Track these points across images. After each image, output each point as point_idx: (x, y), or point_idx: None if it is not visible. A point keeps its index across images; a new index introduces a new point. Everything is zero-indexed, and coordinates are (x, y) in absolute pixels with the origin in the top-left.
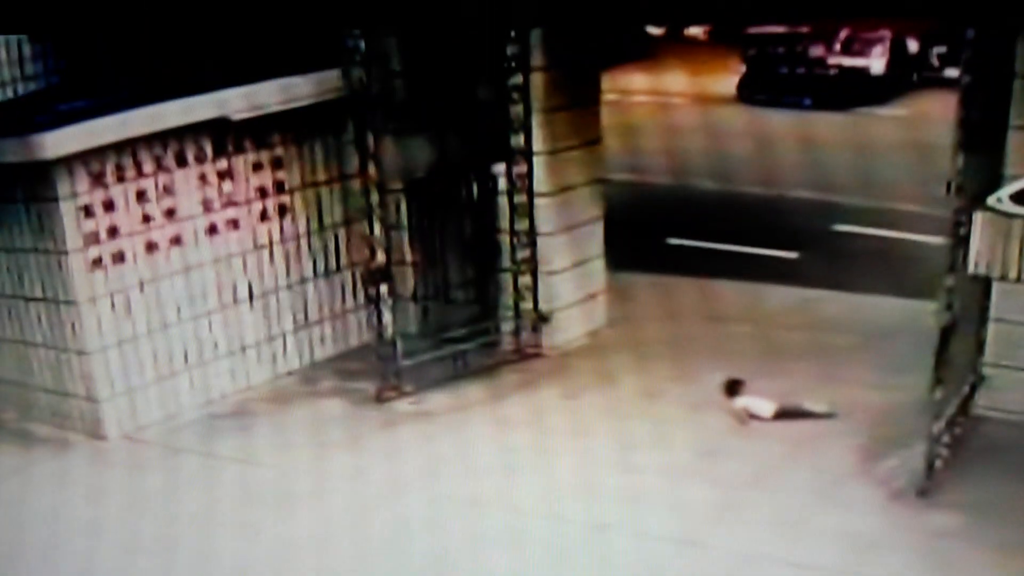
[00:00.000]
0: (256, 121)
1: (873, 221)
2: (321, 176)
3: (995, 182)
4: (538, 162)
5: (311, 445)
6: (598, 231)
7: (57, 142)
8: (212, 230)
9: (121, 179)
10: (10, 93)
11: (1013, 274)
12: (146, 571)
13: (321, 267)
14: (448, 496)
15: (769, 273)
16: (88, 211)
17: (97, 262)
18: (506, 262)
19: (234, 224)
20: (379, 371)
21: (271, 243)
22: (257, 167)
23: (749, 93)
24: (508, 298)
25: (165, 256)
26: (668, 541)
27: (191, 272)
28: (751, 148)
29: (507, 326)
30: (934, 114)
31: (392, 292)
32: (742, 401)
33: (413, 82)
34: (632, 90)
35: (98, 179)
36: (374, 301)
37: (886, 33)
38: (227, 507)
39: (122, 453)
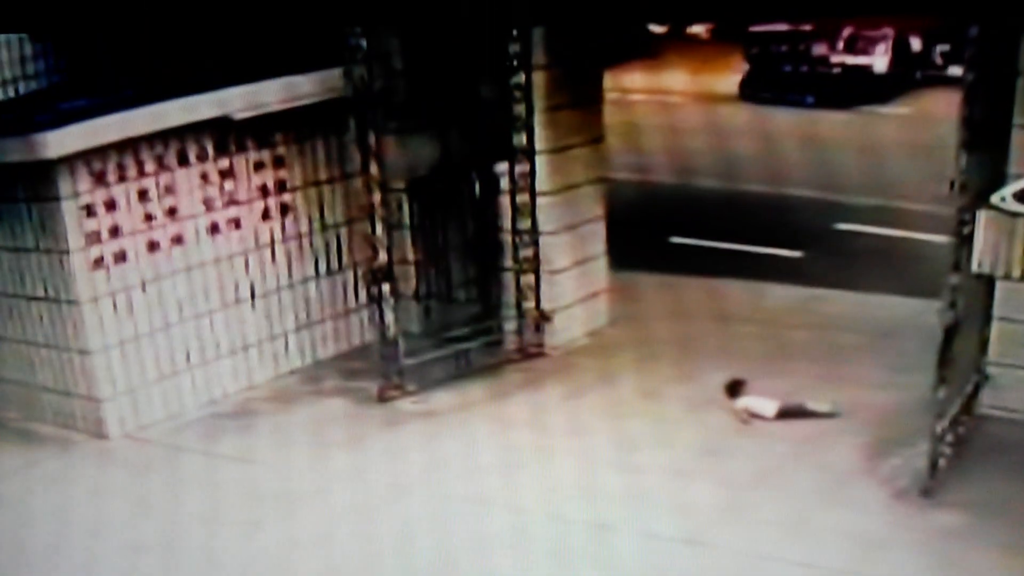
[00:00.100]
0: (258, 120)
1: (877, 220)
2: (323, 175)
3: (999, 181)
4: (540, 161)
5: (313, 444)
6: (600, 230)
7: (59, 141)
8: (214, 229)
9: (123, 178)
10: (12, 92)
11: (1017, 273)
12: (149, 571)
13: (323, 266)
14: (451, 495)
15: (772, 272)
16: (90, 210)
17: (99, 261)
18: (508, 261)
19: (236, 223)
20: (381, 370)
21: (273, 242)
22: (259, 166)
23: (752, 91)
24: (510, 297)
25: (167, 255)
26: (672, 541)
27: (193, 271)
28: (754, 147)
29: (509, 325)
30: (937, 112)
31: (394, 291)
32: (744, 401)
33: (415, 81)
34: (635, 88)
35: (100, 178)
36: (376, 300)
37: (889, 31)
38: (229, 506)
39: (124, 452)
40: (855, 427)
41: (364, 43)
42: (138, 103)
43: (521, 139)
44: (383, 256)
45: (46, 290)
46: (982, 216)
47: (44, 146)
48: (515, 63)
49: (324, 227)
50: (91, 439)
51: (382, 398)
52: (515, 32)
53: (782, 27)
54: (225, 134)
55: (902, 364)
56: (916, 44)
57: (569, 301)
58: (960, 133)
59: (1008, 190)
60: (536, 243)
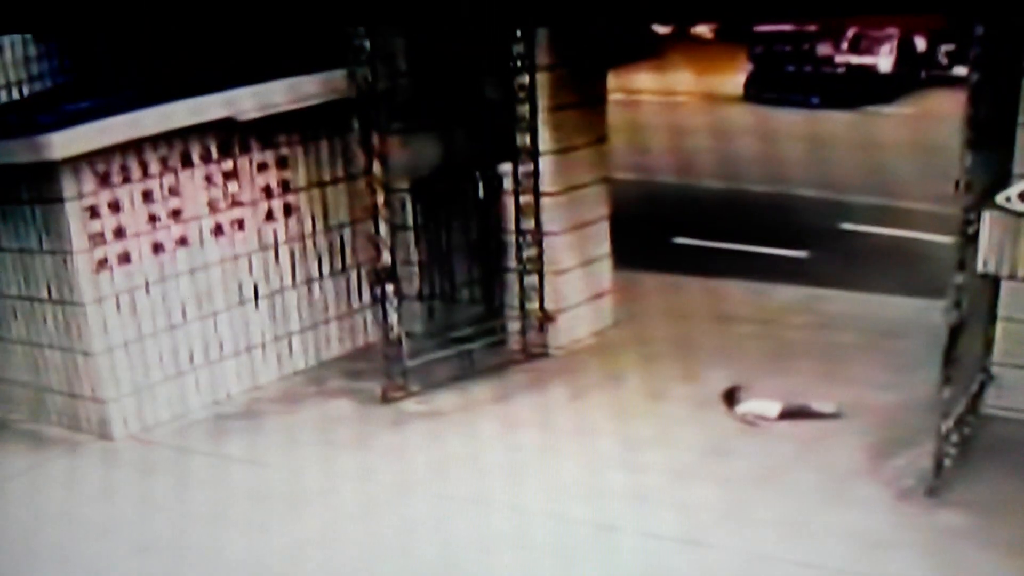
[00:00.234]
0: (262, 121)
1: (882, 220)
2: (327, 176)
3: (1004, 180)
4: (544, 161)
5: (318, 445)
6: (605, 230)
7: (63, 143)
8: (218, 230)
9: (127, 180)
10: (16, 93)
11: (1022, 272)
12: (154, 571)
13: (327, 267)
14: (455, 496)
15: (776, 272)
16: (94, 212)
17: (103, 263)
18: (512, 262)
19: (240, 224)
20: (385, 371)
21: (277, 243)
22: (263, 167)
23: (756, 92)
24: (514, 298)
25: (171, 257)
26: (675, 541)
27: (197, 273)
28: (758, 147)
29: (513, 326)
30: (942, 112)
31: (398, 292)
32: (745, 406)
33: (419, 81)
34: (639, 89)
35: (104, 180)
36: (380, 301)
37: (894, 31)
38: (235, 507)
39: (129, 453)
40: (859, 427)
41: (368, 44)
42: (142, 104)
43: (525, 139)
44: (387, 256)
45: (50, 291)
46: (987, 216)
47: (48, 147)
48: (519, 63)
49: (328, 228)
50: (96, 440)
51: (386, 399)
52: (519, 32)
53: (786, 27)
54: (229, 135)
55: (907, 364)
56: (921, 44)
57: (573, 301)
58: (965, 133)
59: (1013, 190)
60: (540, 244)
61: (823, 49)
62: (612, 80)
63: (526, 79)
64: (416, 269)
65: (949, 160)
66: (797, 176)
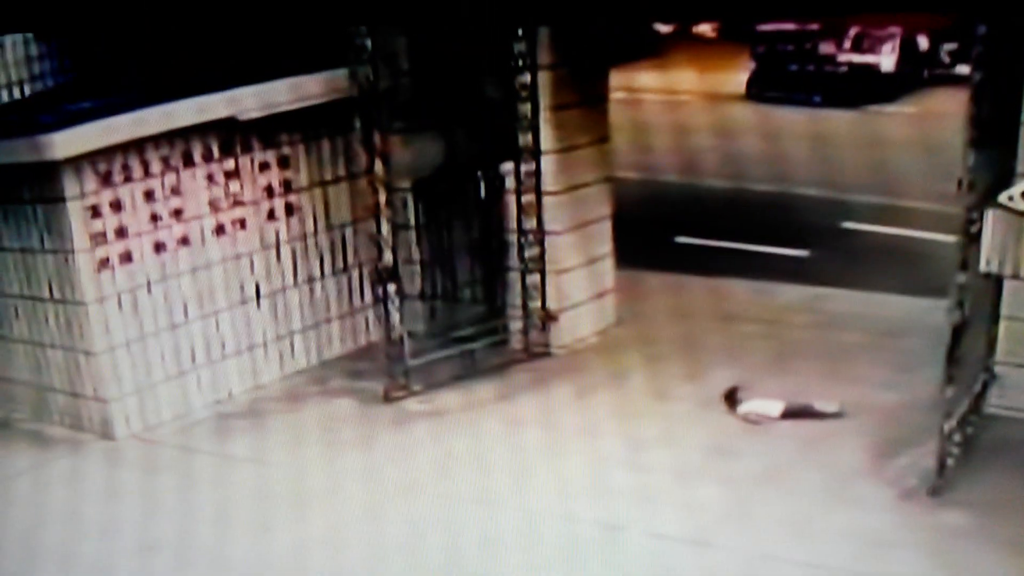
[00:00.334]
0: (263, 120)
1: (884, 219)
2: (328, 175)
3: (1006, 179)
4: (546, 160)
5: (320, 444)
6: (607, 230)
7: (65, 142)
8: (220, 230)
9: (128, 179)
10: (17, 93)
11: None
12: (156, 571)
13: (329, 266)
14: (457, 495)
15: (778, 271)
16: (96, 211)
17: (105, 262)
18: (514, 261)
19: (242, 224)
20: (387, 370)
21: (279, 242)
22: (264, 166)
23: (759, 90)
24: (516, 297)
25: (173, 256)
26: (679, 541)
27: (199, 272)
28: (760, 146)
29: (515, 325)
30: (945, 111)
31: (400, 291)
32: (747, 406)
33: (420, 81)
34: (641, 88)
35: (105, 179)
36: (382, 300)
37: (896, 30)
38: (237, 507)
39: (131, 453)
40: (862, 427)
41: (369, 43)
42: (143, 104)
43: (527, 139)
44: (388, 256)
45: (52, 291)
46: (990, 215)
47: (50, 147)
48: (520, 62)
49: (330, 227)
50: (98, 439)
51: (388, 398)
52: (520, 32)
53: (789, 26)
54: (231, 135)
55: (909, 363)
56: (923, 43)
57: (575, 301)
58: (967, 132)
59: (1016, 189)
60: (542, 243)
61: (825, 48)
62: (614, 79)
63: (528, 78)
64: (418, 268)
65: (951, 159)
66: (799, 175)
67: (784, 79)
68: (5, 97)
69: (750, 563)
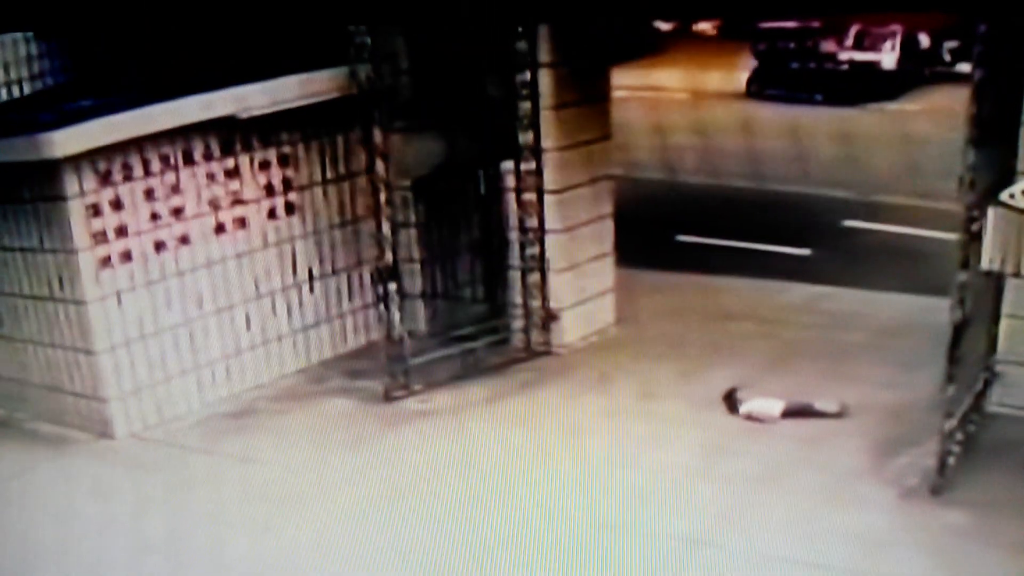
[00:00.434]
0: (263, 119)
1: (885, 217)
2: (329, 174)
3: (1007, 177)
4: (547, 159)
5: (319, 444)
6: (608, 228)
7: (65, 141)
8: (220, 229)
9: (129, 178)
10: (17, 92)
11: None
12: (155, 571)
13: (329, 265)
14: (456, 495)
15: (779, 270)
16: (96, 210)
17: (105, 261)
18: (515, 260)
19: (241, 222)
20: (387, 369)
21: (278, 241)
22: (264, 165)
23: (759, 88)
24: (517, 296)
25: (173, 255)
26: (679, 541)
27: (199, 271)
28: (761, 144)
29: (516, 324)
30: (946, 109)
31: (400, 290)
32: (748, 406)
33: (421, 79)
34: (641, 86)
35: (106, 178)
36: (382, 299)
37: (897, 28)
38: (236, 506)
39: (130, 452)
40: (863, 426)
41: (370, 42)
42: (143, 103)
43: (527, 137)
44: (389, 255)
45: (52, 290)
46: (991, 213)
47: (50, 145)
48: (521, 61)
49: (330, 226)
50: (97, 439)
51: (388, 397)
52: (521, 30)
53: (790, 24)
54: (231, 133)
55: (910, 362)
56: (924, 41)
57: (576, 300)
58: (968, 130)
59: (1017, 187)
60: (543, 242)
61: (827, 46)
62: (615, 77)
63: (528, 77)
64: (418, 267)
65: (953, 157)
66: (800, 173)
67: (785, 77)
68: (5, 96)
69: (751, 563)
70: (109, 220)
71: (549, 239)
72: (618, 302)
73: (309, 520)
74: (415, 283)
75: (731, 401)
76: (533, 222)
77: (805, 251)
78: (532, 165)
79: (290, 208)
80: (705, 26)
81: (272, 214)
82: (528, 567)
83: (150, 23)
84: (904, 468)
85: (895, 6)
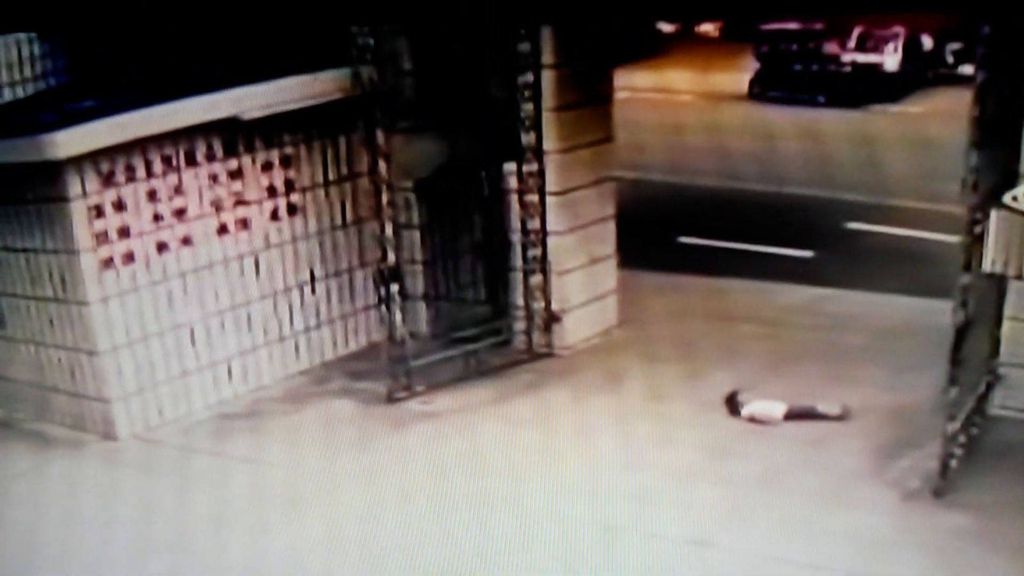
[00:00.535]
0: (266, 120)
1: (887, 219)
2: (331, 175)
3: (1010, 180)
4: (549, 161)
5: (322, 445)
6: (610, 230)
7: (67, 142)
8: (222, 230)
9: (131, 179)
10: (20, 93)
11: None
12: (157, 572)
13: (331, 267)
14: (459, 497)
15: (782, 272)
16: (99, 211)
17: (108, 262)
18: (517, 261)
19: (244, 224)
20: (390, 371)
21: (281, 242)
22: (267, 166)
23: (762, 90)
24: (519, 298)
25: (175, 256)
26: (681, 542)
27: (201, 272)
28: (763, 146)
29: (518, 326)
30: (949, 111)
31: (403, 292)
32: (750, 408)
33: (423, 80)
34: (644, 88)
35: (108, 179)
36: (385, 301)
37: (900, 30)
38: (238, 508)
39: (133, 453)
40: (864, 428)
41: (372, 43)
42: (145, 104)
43: (530, 139)
44: (391, 256)
45: (55, 291)
46: (994, 215)
47: (53, 146)
48: (524, 62)
49: (332, 227)
50: (100, 440)
51: (390, 399)
52: (524, 31)
53: (792, 25)
54: (233, 134)
55: (913, 364)
56: (927, 43)
57: (578, 301)
58: (971, 132)
59: (1020, 189)
60: (545, 243)
61: (829, 48)
62: (617, 79)
63: (531, 78)
64: (421, 269)
65: (956, 159)
66: (802, 175)
67: (787, 79)
68: (7, 96)
69: (752, 564)
70: (111, 221)
71: (551, 240)
72: (620, 304)
73: (312, 521)
74: (417, 284)
75: (733, 404)
76: (535, 223)
77: (808, 253)
78: (534, 166)
79: (292, 209)
80: (707, 28)
81: (274, 215)
82: (532, 567)
83: (152, 23)
84: (906, 470)
85: (898, 7)
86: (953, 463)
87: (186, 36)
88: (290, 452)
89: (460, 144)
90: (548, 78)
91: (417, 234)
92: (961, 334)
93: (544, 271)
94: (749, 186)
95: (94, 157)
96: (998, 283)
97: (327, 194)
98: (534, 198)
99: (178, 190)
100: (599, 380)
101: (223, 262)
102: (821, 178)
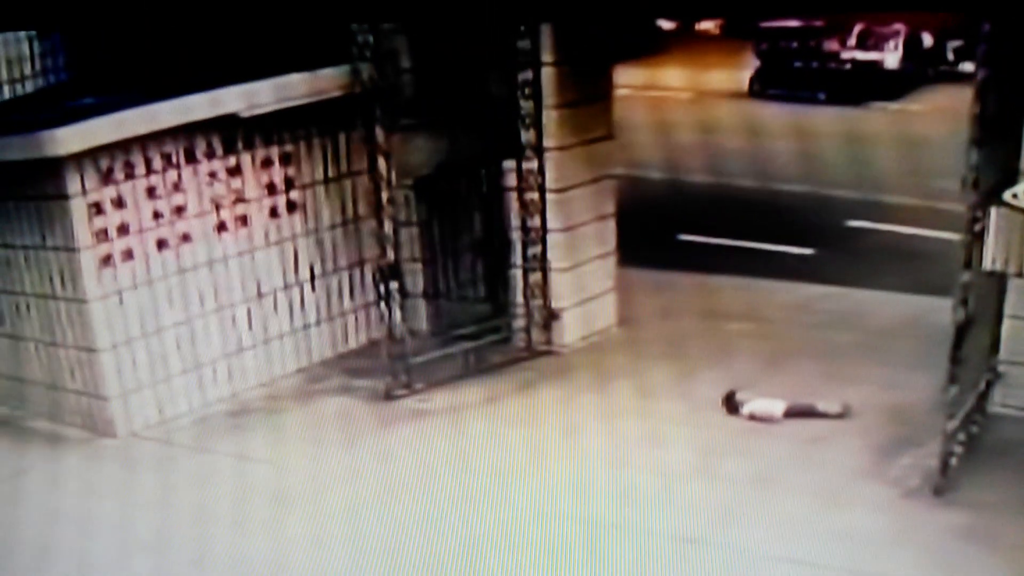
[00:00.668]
0: (265, 117)
1: (888, 217)
2: (331, 173)
3: (1011, 177)
4: (549, 158)
5: (320, 442)
6: (610, 228)
7: (67, 139)
8: (222, 227)
9: (130, 176)
10: (19, 90)
11: None
12: (154, 568)
13: (331, 264)
14: (453, 494)
15: (782, 270)
16: (98, 208)
17: (107, 259)
18: (517, 259)
19: (243, 221)
20: (389, 368)
21: (281, 240)
22: (266, 163)
23: (762, 88)
24: (518, 295)
25: (174, 253)
26: (680, 541)
27: (200, 269)
28: (764, 143)
29: (518, 323)
30: (949, 109)
31: (402, 289)
32: (750, 407)
33: (423, 78)
34: (644, 85)
35: (108, 176)
36: (384, 298)
37: (901, 27)
38: (235, 505)
39: (131, 451)
40: (864, 426)
41: (372, 40)
42: (146, 100)
43: (530, 136)
44: (391, 254)
45: (54, 288)
46: (994, 213)
47: (52, 143)
48: (523, 60)
49: (331, 224)
50: (98, 437)
51: (389, 396)
52: (524, 29)
53: (793, 23)
54: (233, 132)
55: (913, 363)
56: (928, 40)
57: (578, 299)
58: (971, 130)
59: (1021, 187)
60: (545, 241)
61: (830, 45)
62: (617, 76)
63: (531, 75)
64: (420, 266)
65: (956, 157)
66: (804, 173)
67: (788, 76)
68: (7, 94)
69: (751, 563)
70: (111, 218)
71: (551, 238)
72: (620, 302)
73: (306, 519)
74: (416, 282)
75: (731, 403)
76: (535, 221)
77: (808, 251)
78: (534, 164)
79: (292, 206)
80: (708, 25)
81: (274, 212)
82: (525, 566)
83: (152, 21)
84: (906, 469)
85: (899, 5)
86: (953, 461)
87: (186, 33)
88: (288, 449)
89: (460, 142)
90: (548, 75)
91: (417, 232)
92: (961, 332)
93: (544, 269)
94: (749, 183)
95: (94, 154)
96: (998, 281)
97: (327, 192)
98: (534, 196)
99: (177, 187)
100: (598, 378)
101: (222, 259)
102: (821, 176)
